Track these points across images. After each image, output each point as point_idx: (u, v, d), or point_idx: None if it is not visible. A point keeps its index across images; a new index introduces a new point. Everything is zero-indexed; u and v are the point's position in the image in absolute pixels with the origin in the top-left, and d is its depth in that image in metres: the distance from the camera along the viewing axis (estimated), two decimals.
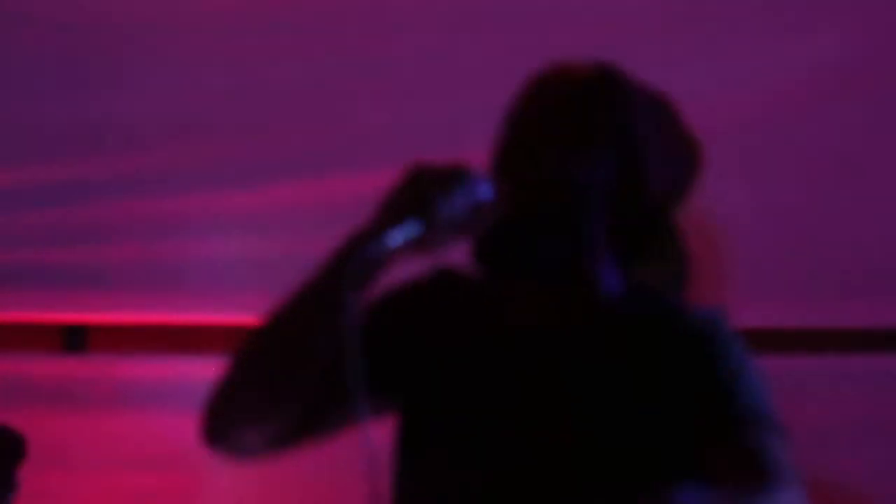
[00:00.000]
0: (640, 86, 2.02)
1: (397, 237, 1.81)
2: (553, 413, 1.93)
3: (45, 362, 3.28)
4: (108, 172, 3.22)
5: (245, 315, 2.84)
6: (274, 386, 1.88)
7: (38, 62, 3.25)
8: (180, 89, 3.24)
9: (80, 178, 3.24)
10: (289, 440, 1.95)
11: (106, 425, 3.22)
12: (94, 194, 3.24)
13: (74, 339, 3.27)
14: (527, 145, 1.97)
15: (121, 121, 3.20)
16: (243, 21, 3.25)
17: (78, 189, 3.24)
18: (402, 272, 1.96)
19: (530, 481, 1.91)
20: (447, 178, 1.82)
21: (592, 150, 1.95)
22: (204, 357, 3.09)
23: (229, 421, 1.92)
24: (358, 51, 3.24)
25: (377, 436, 1.81)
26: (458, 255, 1.96)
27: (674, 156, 2.03)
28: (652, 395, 1.94)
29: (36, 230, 3.25)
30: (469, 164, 1.85)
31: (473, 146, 2.06)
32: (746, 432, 1.94)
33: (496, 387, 1.94)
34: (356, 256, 1.80)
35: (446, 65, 3.23)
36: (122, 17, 3.23)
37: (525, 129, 1.98)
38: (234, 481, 3.19)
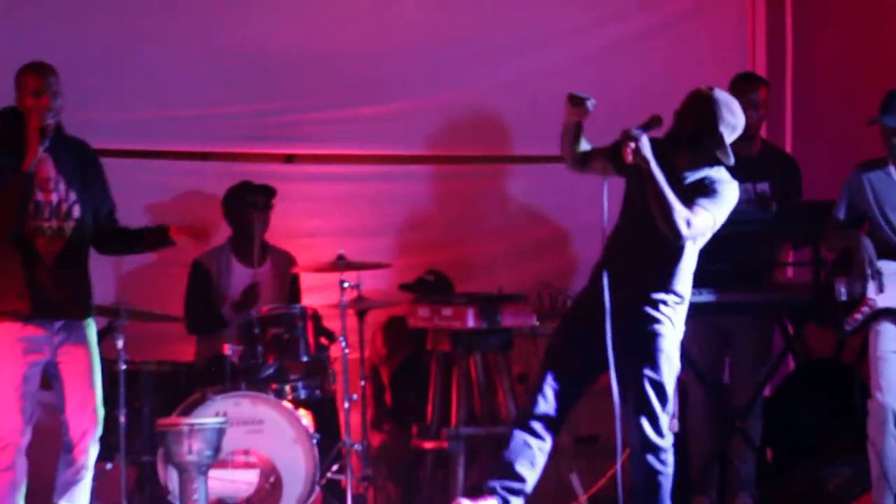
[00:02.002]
0: (723, 95, 5.25)
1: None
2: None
3: (277, 167, 7.29)
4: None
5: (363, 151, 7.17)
6: (571, 148, 5.37)
7: None
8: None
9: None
10: (572, 168, 5.43)
11: (297, 191, 7.14)
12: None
13: (288, 158, 7.35)
14: (680, 114, 5.29)
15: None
16: None
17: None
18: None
19: (640, 224, 5.24)
20: (648, 121, 5.15)
21: (698, 118, 5.21)
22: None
23: (563, 154, 5.41)
24: None
25: None
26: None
27: (730, 121, 5.22)
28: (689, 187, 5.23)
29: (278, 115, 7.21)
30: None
31: None
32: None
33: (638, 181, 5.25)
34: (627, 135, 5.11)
35: None
36: None
37: (680, 109, 5.30)
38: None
